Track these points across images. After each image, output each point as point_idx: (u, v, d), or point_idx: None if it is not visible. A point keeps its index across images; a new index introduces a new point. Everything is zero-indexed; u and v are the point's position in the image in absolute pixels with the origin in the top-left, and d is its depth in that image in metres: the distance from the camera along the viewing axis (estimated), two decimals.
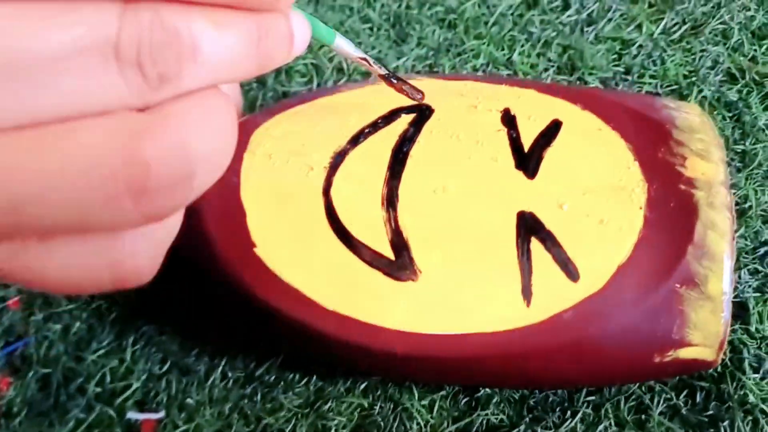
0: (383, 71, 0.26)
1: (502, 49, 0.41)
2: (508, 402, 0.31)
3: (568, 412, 0.31)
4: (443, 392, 0.32)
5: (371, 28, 0.42)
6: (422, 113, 0.31)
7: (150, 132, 0.14)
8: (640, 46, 0.41)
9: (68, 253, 0.16)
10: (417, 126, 0.31)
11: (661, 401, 0.31)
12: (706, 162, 0.28)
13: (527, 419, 0.31)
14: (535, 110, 0.31)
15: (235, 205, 0.29)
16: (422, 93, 0.27)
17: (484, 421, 0.31)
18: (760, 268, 0.34)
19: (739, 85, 0.40)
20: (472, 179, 0.29)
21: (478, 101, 0.31)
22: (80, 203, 0.14)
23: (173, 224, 0.18)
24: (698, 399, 0.31)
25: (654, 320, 0.26)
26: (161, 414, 0.32)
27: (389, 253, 0.27)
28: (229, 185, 0.29)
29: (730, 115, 0.39)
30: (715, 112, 0.39)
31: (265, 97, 0.40)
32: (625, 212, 0.27)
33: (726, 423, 0.31)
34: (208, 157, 0.16)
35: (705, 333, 0.26)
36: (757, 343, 0.32)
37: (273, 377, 0.32)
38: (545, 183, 0.28)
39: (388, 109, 0.31)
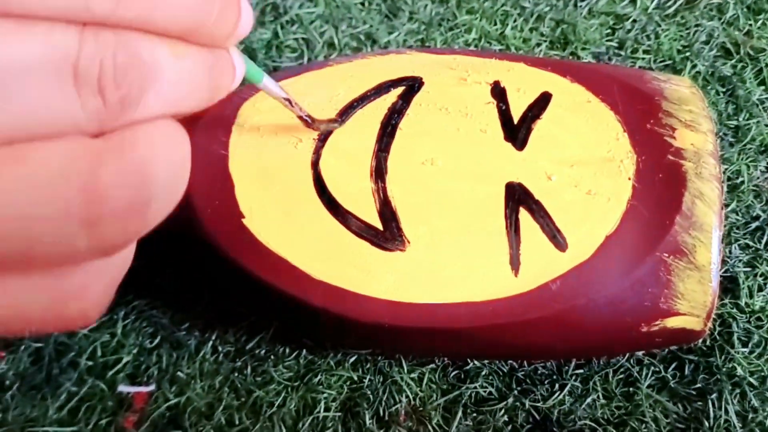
0: (304, 114, 0.28)
1: (495, 24, 0.41)
2: (496, 375, 0.32)
3: (557, 385, 0.31)
4: (432, 365, 0.32)
5: (363, 3, 0.42)
6: (411, 86, 0.31)
7: (108, 158, 0.14)
8: (634, 20, 0.41)
9: (6, 290, 0.15)
10: (406, 98, 0.30)
11: (650, 374, 0.31)
12: (694, 133, 0.28)
13: (516, 392, 0.31)
14: (524, 83, 0.31)
15: (223, 177, 0.29)
16: (339, 124, 0.29)
17: (473, 394, 0.31)
18: (750, 243, 0.34)
19: (733, 60, 0.39)
20: (461, 151, 0.28)
21: (468, 74, 0.31)
22: (28, 232, 0.13)
23: (124, 260, 0.17)
24: (686, 372, 0.31)
25: (641, 290, 0.26)
26: (152, 387, 0.32)
27: (378, 224, 0.27)
28: (216, 158, 0.29)
29: (724, 90, 0.39)
30: (709, 87, 0.39)
31: None
32: (613, 183, 0.27)
33: (714, 395, 0.31)
34: (164, 186, 0.15)
35: (692, 302, 0.26)
36: (746, 317, 0.33)
37: (263, 351, 0.33)
38: (534, 155, 0.28)
39: (377, 82, 0.31)
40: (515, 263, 0.26)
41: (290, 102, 0.27)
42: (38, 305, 0.15)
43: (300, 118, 0.28)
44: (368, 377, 0.32)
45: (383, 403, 0.31)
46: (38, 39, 0.13)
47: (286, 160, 0.29)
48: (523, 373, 0.31)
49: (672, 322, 0.26)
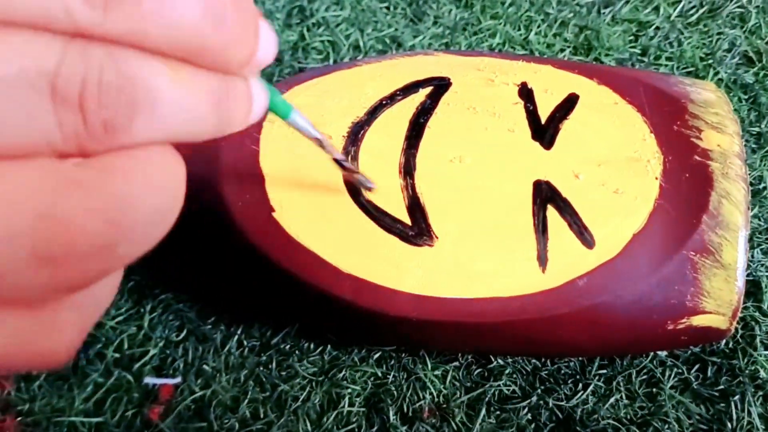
0: (338, 156, 0.25)
1: (519, 29, 0.41)
2: (520, 373, 0.32)
3: (580, 384, 0.31)
4: (456, 363, 0.32)
5: (388, 7, 0.42)
6: (439, 86, 0.31)
7: (77, 188, 0.12)
8: (657, 27, 0.41)
9: None
10: (434, 98, 0.31)
11: (673, 375, 0.31)
12: (721, 134, 0.28)
13: (539, 390, 0.31)
14: (551, 84, 0.31)
15: (254, 171, 0.29)
16: (374, 184, 0.27)
17: (497, 392, 0.31)
18: None
19: (755, 68, 0.40)
20: (489, 149, 0.29)
21: (495, 75, 0.32)
22: None
23: (102, 296, 0.16)
24: (709, 373, 0.31)
25: (668, 287, 0.26)
26: (178, 379, 0.32)
27: (406, 219, 0.28)
28: (248, 153, 0.30)
29: (746, 97, 0.39)
30: (731, 94, 0.39)
31: (281, 74, 0.41)
32: (640, 182, 0.27)
33: (737, 397, 0.31)
34: (141, 223, 0.13)
35: (719, 301, 0.26)
36: None
37: (288, 345, 0.33)
38: (561, 154, 0.29)
39: (406, 82, 0.32)
40: (543, 260, 0.27)
41: (322, 143, 0.24)
42: (3, 341, 0.14)
43: (334, 160, 0.26)
44: (392, 373, 0.32)
45: (407, 400, 0.31)
46: (12, 48, 0.12)
47: (316, 156, 0.29)
48: (546, 372, 0.32)
49: (698, 321, 0.26)
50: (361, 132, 0.30)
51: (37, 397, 0.32)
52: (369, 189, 0.28)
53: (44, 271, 0.12)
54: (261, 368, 0.32)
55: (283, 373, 0.32)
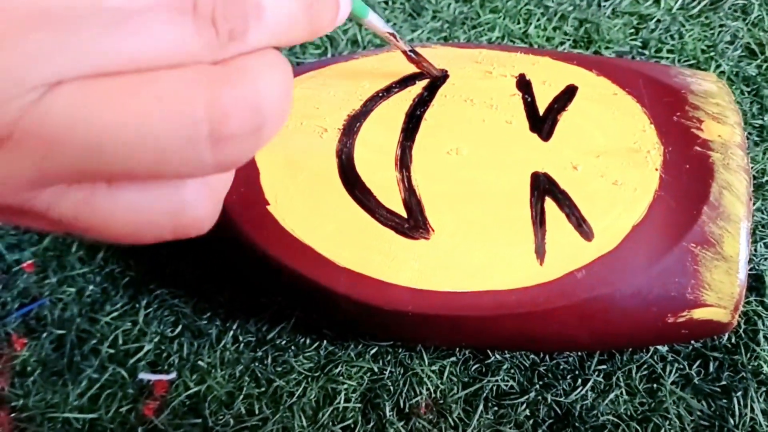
0: (407, 47, 0.28)
1: (518, 23, 0.41)
2: (518, 368, 0.31)
3: (579, 380, 0.31)
4: (453, 358, 0.32)
5: (386, 2, 0.42)
6: (437, 78, 0.31)
7: (227, 82, 0.15)
8: (658, 20, 0.41)
9: (134, 199, 0.16)
10: (431, 90, 0.30)
11: (674, 370, 0.31)
12: (722, 125, 0.28)
13: (537, 386, 0.31)
14: (550, 76, 0.31)
15: (249, 164, 0.29)
16: (442, 71, 0.30)
17: (494, 388, 0.31)
18: None
19: (758, 60, 0.39)
20: (486, 141, 0.29)
21: (493, 67, 0.31)
22: (159, 149, 0.15)
23: (229, 176, 0.19)
24: (711, 369, 0.31)
25: (668, 280, 0.25)
26: (173, 375, 0.32)
27: (402, 212, 0.27)
28: None
29: (749, 89, 0.38)
30: (734, 87, 0.38)
31: None
32: (640, 173, 0.27)
33: (739, 393, 0.30)
34: (275, 108, 0.16)
35: (720, 294, 0.26)
36: None
37: (284, 341, 0.33)
38: (559, 145, 0.28)
39: (402, 74, 0.31)
40: (540, 252, 0.26)
41: (395, 37, 0.27)
42: (161, 213, 0.17)
43: (404, 53, 0.29)
44: (389, 369, 0.32)
45: (404, 395, 0.31)
46: None
47: (312, 149, 0.29)
48: (545, 367, 0.31)
49: (699, 314, 0.26)
50: (357, 124, 0.30)
51: (31, 393, 0.32)
52: (436, 78, 0.30)
53: (215, 150, 0.15)
54: (256, 363, 0.32)
55: (279, 369, 0.32)
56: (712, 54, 0.39)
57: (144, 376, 0.32)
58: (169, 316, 0.34)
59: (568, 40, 0.40)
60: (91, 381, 0.32)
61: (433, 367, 0.31)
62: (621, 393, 0.31)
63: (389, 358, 0.32)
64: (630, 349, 0.31)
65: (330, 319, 0.31)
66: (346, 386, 0.31)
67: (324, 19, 0.18)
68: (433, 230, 0.27)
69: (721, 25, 0.40)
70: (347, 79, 0.32)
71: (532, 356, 0.31)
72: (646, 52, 0.40)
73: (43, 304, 0.34)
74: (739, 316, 0.31)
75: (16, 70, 0.13)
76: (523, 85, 0.30)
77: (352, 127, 0.30)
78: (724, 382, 0.31)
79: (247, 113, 0.15)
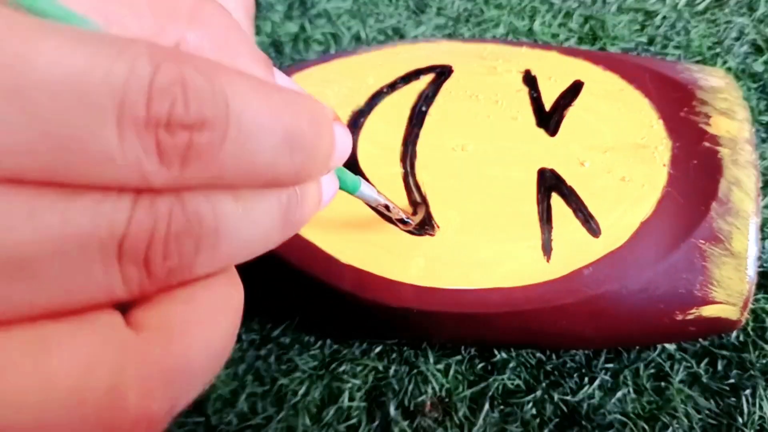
0: (405, 217, 0.25)
1: (523, 19, 0.41)
2: (524, 367, 0.31)
3: (586, 378, 0.30)
4: (459, 356, 0.31)
5: None
6: (441, 73, 0.31)
7: (139, 358, 0.12)
8: (664, 17, 0.40)
9: None
10: (436, 86, 0.30)
11: (681, 368, 0.31)
12: (730, 120, 0.27)
13: (544, 384, 0.30)
14: (556, 71, 0.30)
15: None
16: (435, 232, 0.27)
17: (500, 386, 0.31)
18: None
19: (765, 57, 0.39)
20: (492, 137, 0.28)
21: (498, 63, 0.31)
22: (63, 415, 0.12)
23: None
24: (719, 367, 0.31)
25: (676, 276, 0.25)
26: None
27: (407, 209, 0.27)
28: None
29: (756, 86, 0.38)
30: (740, 83, 0.38)
31: (282, 66, 0.40)
32: (648, 169, 0.27)
33: (748, 392, 0.30)
34: (198, 373, 0.13)
35: (729, 291, 0.25)
36: None
37: (288, 339, 0.32)
38: (566, 141, 0.28)
39: (407, 70, 0.31)
40: (547, 249, 0.26)
41: (388, 208, 0.24)
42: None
43: (399, 220, 0.26)
44: (394, 367, 0.31)
45: (409, 394, 0.31)
46: (82, 213, 0.11)
47: None
48: (551, 365, 0.31)
49: (707, 311, 0.26)
50: (362, 120, 0.29)
51: None
52: (432, 234, 0.27)
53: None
54: (260, 362, 0.32)
55: (283, 367, 0.32)
56: (718, 50, 0.39)
57: None
58: None
59: (573, 36, 0.40)
60: None
61: (439, 366, 0.31)
62: (628, 391, 0.30)
63: (394, 356, 0.32)
64: (637, 348, 0.31)
65: (335, 317, 0.31)
66: (350, 385, 0.31)
67: (304, 219, 0.15)
68: (438, 227, 0.27)
69: (727, 22, 0.40)
70: (351, 74, 0.31)
71: (538, 354, 0.31)
72: (652, 48, 0.39)
73: None
74: (748, 314, 0.30)
75: None
76: (529, 80, 0.30)
77: (356, 123, 0.29)
78: (732, 380, 0.30)
79: (156, 393, 0.12)
